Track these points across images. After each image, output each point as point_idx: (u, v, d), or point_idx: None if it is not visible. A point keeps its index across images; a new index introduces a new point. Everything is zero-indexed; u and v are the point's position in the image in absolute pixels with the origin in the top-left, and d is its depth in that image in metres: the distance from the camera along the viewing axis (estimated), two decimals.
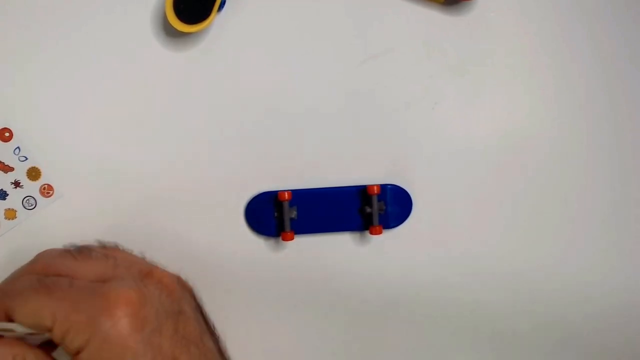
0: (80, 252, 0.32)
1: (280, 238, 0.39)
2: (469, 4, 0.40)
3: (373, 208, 0.39)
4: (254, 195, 0.40)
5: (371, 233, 0.39)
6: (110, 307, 0.28)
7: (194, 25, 0.37)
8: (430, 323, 0.42)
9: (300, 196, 0.39)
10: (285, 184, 0.40)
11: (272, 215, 0.40)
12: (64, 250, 0.33)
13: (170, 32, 0.39)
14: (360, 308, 0.41)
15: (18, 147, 0.39)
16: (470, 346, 0.42)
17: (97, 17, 0.38)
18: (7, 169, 0.39)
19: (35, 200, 0.39)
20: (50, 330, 0.29)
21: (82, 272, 0.31)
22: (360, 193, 0.40)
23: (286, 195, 0.39)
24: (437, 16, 0.40)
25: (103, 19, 0.38)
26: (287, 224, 0.39)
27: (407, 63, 0.40)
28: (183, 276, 0.35)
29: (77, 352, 0.28)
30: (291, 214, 0.39)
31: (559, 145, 0.42)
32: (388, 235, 0.41)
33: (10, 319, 0.29)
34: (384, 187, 0.40)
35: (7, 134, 0.38)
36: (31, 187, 0.39)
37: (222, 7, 0.38)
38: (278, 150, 0.40)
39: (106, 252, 0.33)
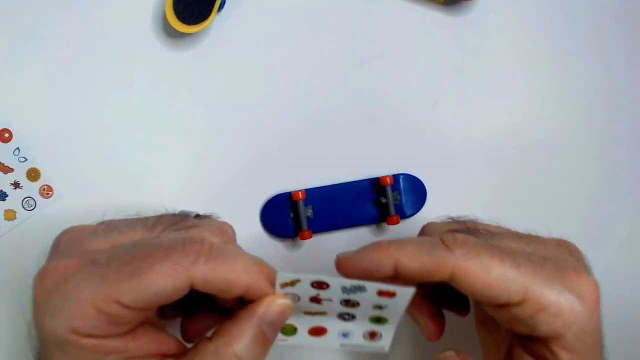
0: None
1: (299, 238, 0.39)
2: (469, 4, 0.40)
3: (388, 198, 0.39)
4: (268, 198, 0.40)
5: (388, 224, 0.39)
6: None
7: (194, 26, 0.37)
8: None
9: (314, 194, 0.39)
10: (297, 184, 0.40)
11: (287, 216, 0.40)
12: None
13: (170, 32, 0.39)
14: None
15: (18, 148, 0.39)
16: None
17: (97, 18, 0.38)
18: (6, 169, 0.39)
19: (35, 201, 0.39)
20: (511, 304, 0.27)
21: None
22: (373, 185, 0.40)
23: (300, 195, 0.39)
24: (437, 16, 0.40)
25: (103, 19, 0.38)
26: (304, 223, 0.39)
27: (407, 63, 0.40)
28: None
29: (547, 338, 0.27)
30: (307, 213, 0.39)
31: (559, 145, 0.42)
32: (406, 224, 0.41)
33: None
34: (396, 177, 0.40)
35: (6, 135, 0.38)
36: (31, 188, 0.39)
37: (222, 7, 0.38)
38: (286, 151, 0.40)
39: None
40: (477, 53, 0.41)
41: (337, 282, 0.27)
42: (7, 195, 0.39)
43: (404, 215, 0.40)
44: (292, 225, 0.40)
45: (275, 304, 0.28)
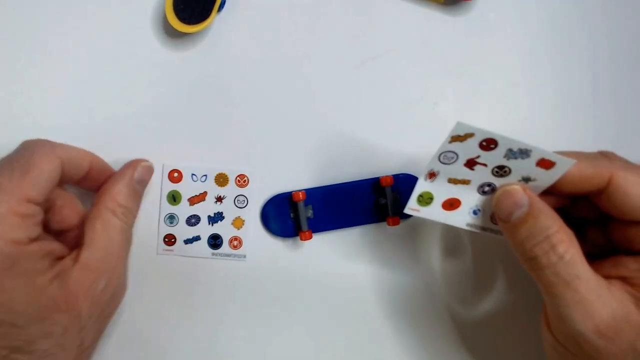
0: None
1: (299, 238, 0.39)
2: (469, 4, 0.40)
3: (388, 199, 0.39)
4: (268, 198, 0.40)
5: (388, 224, 0.39)
6: None
7: (194, 25, 0.37)
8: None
9: (314, 194, 0.39)
10: (297, 184, 0.40)
11: (288, 216, 0.40)
12: None
13: (170, 32, 0.39)
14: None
15: (194, 174, 0.39)
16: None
17: (97, 18, 0.38)
18: (199, 198, 0.39)
19: (246, 198, 0.40)
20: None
21: None
22: (373, 186, 0.40)
23: (300, 196, 0.39)
24: (437, 16, 0.40)
25: (103, 19, 0.38)
26: (304, 223, 0.39)
27: (407, 63, 0.40)
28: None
29: None
30: (307, 213, 0.39)
31: (558, 145, 0.42)
32: (406, 224, 0.41)
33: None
34: (396, 177, 0.39)
35: (175, 175, 0.39)
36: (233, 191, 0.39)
37: (222, 7, 0.38)
38: (286, 151, 0.40)
39: None
40: (477, 53, 0.41)
41: (506, 142, 0.28)
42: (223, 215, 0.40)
43: (404, 216, 0.40)
44: (292, 225, 0.40)
45: (141, 165, 0.36)
